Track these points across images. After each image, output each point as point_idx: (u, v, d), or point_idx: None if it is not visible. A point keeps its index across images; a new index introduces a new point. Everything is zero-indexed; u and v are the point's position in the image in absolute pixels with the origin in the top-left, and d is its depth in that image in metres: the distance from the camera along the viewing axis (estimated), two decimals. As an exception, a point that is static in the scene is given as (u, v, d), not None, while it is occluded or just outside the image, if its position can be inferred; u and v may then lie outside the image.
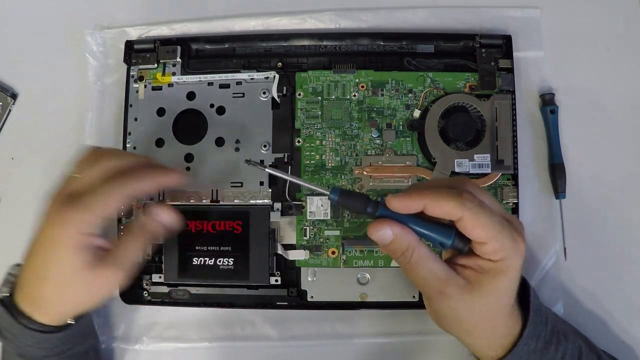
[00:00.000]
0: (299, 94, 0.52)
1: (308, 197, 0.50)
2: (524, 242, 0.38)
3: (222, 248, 0.49)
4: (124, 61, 0.53)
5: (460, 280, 0.37)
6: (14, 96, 0.56)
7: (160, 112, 0.53)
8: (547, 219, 0.52)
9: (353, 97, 0.52)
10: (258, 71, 0.53)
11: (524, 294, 0.41)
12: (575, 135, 0.53)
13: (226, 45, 0.54)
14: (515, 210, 0.50)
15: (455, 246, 0.38)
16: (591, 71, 0.54)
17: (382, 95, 0.52)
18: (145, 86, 0.53)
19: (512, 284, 0.38)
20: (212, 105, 0.52)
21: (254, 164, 0.43)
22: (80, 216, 0.39)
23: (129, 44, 0.54)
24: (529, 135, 0.53)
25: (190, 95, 0.53)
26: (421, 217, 0.38)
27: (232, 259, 0.49)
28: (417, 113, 0.51)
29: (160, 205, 0.44)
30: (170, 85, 0.53)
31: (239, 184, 0.51)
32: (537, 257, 0.51)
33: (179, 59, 0.53)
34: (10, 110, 0.56)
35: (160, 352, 0.52)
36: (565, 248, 0.51)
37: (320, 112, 0.52)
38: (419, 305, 0.49)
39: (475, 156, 0.50)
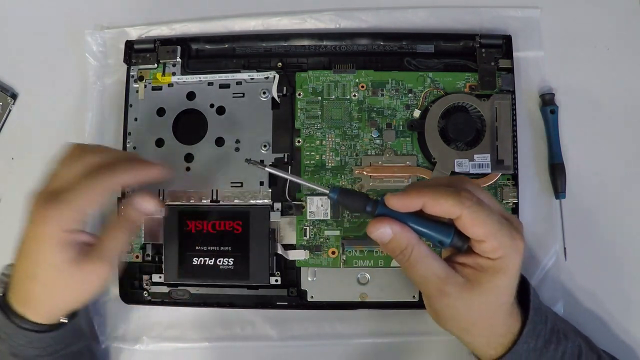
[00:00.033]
0: (299, 94, 0.52)
1: (308, 197, 0.50)
2: (522, 241, 0.38)
3: (222, 248, 0.49)
4: (124, 61, 0.53)
5: (460, 278, 0.37)
6: (14, 96, 0.56)
7: (160, 112, 0.53)
8: (547, 219, 0.52)
9: (353, 97, 0.52)
10: (258, 71, 0.53)
11: (524, 293, 0.41)
12: (575, 135, 0.53)
13: (226, 45, 0.54)
14: (515, 210, 0.50)
15: (454, 244, 0.38)
16: (591, 71, 0.54)
17: (382, 95, 0.52)
18: (145, 86, 0.53)
19: (511, 282, 0.38)
20: (212, 105, 0.52)
21: (254, 163, 0.43)
22: (61, 213, 0.38)
23: (129, 44, 0.54)
24: (529, 135, 0.53)
25: (190, 95, 0.53)
26: (420, 216, 0.38)
27: (232, 259, 0.49)
28: (417, 113, 0.51)
29: (140, 194, 0.43)
30: (170, 85, 0.53)
31: (239, 184, 0.51)
32: (537, 257, 0.51)
33: (179, 59, 0.53)
34: (10, 110, 0.56)
35: (160, 352, 0.52)
36: (565, 248, 0.51)
37: (320, 112, 0.52)
38: (419, 305, 0.49)
39: (475, 156, 0.50)
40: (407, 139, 0.51)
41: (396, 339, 0.51)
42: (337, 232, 0.50)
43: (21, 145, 0.56)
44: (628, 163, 0.53)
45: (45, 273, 0.39)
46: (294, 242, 0.50)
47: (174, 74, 0.53)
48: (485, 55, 0.52)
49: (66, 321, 0.43)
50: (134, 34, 0.55)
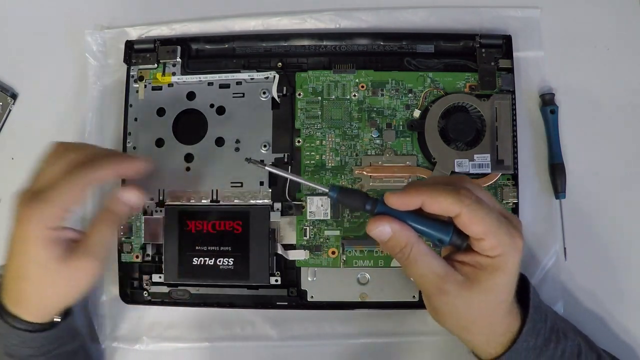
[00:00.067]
0: (299, 94, 0.52)
1: (308, 197, 0.50)
2: (521, 239, 0.38)
3: (222, 248, 0.49)
4: (124, 61, 0.53)
5: (459, 276, 0.37)
6: (14, 96, 0.56)
7: (160, 112, 0.53)
8: (547, 219, 0.52)
9: (353, 97, 0.52)
10: (258, 71, 0.53)
11: (524, 292, 0.41)
12: (575, 135, 0.53)
13: (226, 45, 0.54)
14: (515, 210, 0.50)
15: (453, 243, 0.38)
16: (591, 71, 0.54)
17: (382, 95, 0.52)
18: (145, 86, 0.53)
19: (510, 280, 0.38)
20: (212, 105, 0.52)
21: (254, 162, 0.43)
22: (44, 211, 0.39)
23: (129, 44, 0.54)
24: (529, 135, 0.53)
25: (190, 95, 0.53)
26: (419, 214, 0.38)
27: (232, 259, 0.49)
28: (417, 113, 0.51)
29: (124, 187, 0.43)
30: (170, 85, 0.53)
31: (239, 184, 0.51)
32: (537, 257, 0.51)
33: (179, 59, 0.53)
34: (10, 110, 0.56)
35: (160, 352, 0.52)
36: (565, 248, 0.51)
37: (320, 112, 0.52)
38: (419, 305, 0.49)
39: (475, 156, 0.50)
40: (407, 139, 0.51)
41: (396, 339, 0.51)
42: (337, 232, 0.50)
43: (21, 145, 0.56)
44: (628, 163, 0.53)
45: (33, 272, 0.40)
46: (294, 242, 0.50)
47: (174, 74, 0.53)
48: (485, 55, 0.52)
49: (59, 320, 0.43)
50: (134, 34, 0.55)
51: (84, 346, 0.49)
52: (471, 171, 0.50)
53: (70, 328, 0.46)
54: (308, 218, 0.50)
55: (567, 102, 0.53)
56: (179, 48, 0.53)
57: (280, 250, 0.50)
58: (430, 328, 0.51)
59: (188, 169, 0.52)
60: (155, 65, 0.53)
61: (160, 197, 0.51)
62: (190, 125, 0.52)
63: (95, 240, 0.41)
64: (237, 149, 0.52)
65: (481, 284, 0.37)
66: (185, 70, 0.53)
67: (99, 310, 0.52)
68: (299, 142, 0.52)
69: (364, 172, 0.51)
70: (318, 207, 0.50)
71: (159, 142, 0.52)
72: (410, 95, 0.52)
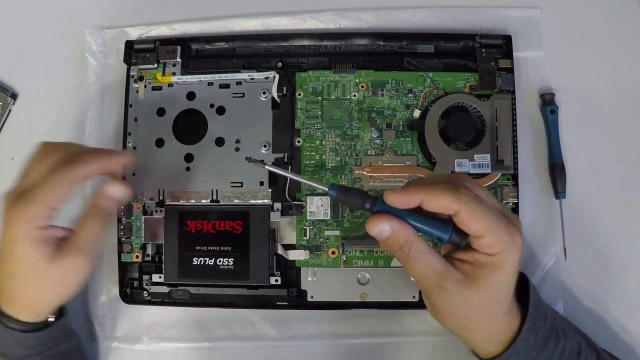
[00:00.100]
0: (299, 94, 0.52)
1: (308, 197, 0.50)
2: (521, 237, 0.38)
3: (222, 248, 0.49)
4: (124, 61, 0.53)
5: (458, 274, 0.38)
6: (14, 96, 0.56)
7: (160, 112, 0.53)
8: (547, 219, 0.52)
9: (353, 97, 0.52)
10: (258, 71, 0.53)
11: (524, 291, 0.41)
12: (575, 135, 0.53)
13: (226, 45, 0.54)
14: (515, 210, 0.50)
15: (452, 241, 0.38)
16: (591, 71, 0.54)
17: (382, 95, 0.52)
18: (145, 86, 0.53)
19: (509, 277, 0.38)
20: (212, 105, 0.52)
21: (254, 162, 0.43)
22: (30, 211, 0.39)
23: (129, 44, 0.54)
24: (529, 135, 0.53)
25: (190, 95, 0.53)
26: (419, 213, 0.38)
27: (232, 259, 0.49)
28: (417, 113, 0.51)
29: (109, 182, 0.43)
30: (170, 85, 0.53)
31: (239, 184, 0.51)
32: (537, 257, 0.51)
33: (179, 59, 0.53)
34: (10, 110, 0.56)
35: (160, 352, 0.52)
36: (565, 248, 0.51)
37: (320, 112, 0.52)
38: (419, 305, 0.49)
39: (475, 156, 0.50)
40: (407, 139, 0.51)
41: (396, 339, 0.51)
42: (337, 232, 0.50)
43: (21, 145, 0.55)
44: (628, 163, 0.53)
45: (23, 272, 0.40)
46: (294, 242, 0.50)
47: (174, 74, 0.53)
48: (485, 55, 0.52)
49: (53, 320, 0.44)
50: (134, 34, 0.55)
51: (79, 346, 0.49)
52: (471, 171, 0.50)
53: (65, 328, 0.46)
54: (308, 218, 0.50)
55: (567, 102, 0.53)
56: (179, 48, 0.53)
57: (280, 250, 0.50)
58: (430, 328, 0.51)
59: (188, 169, 0.52)
60: (155, 65, 0.53)
61: (160, 197, 0.51)
62: (190, 125, 0.52)
63: (83, 237, 0.42)
64: (237, 149, 0.52)
65: (480, 281, 0.37)
66: (185, 70, 0.53)
67: (99, 310, 0.52)
68: (299, 142, 0.52)
69: (364, 172, 0.51)
70: (318, 207, 0.50)
71: (159, 142, 0.52)
72: (410, 95, 0.52)
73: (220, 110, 0.52)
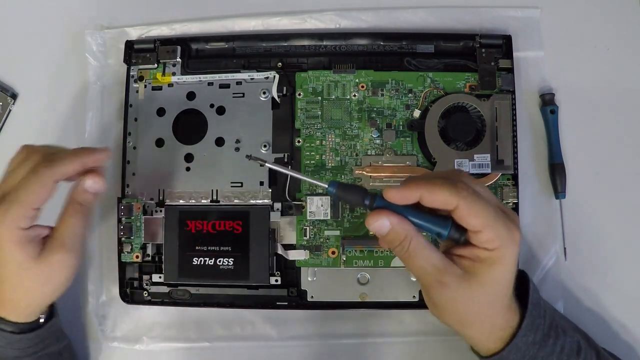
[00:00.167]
0: (299, 94, 0.52)
1: (308, 197, 0.50)
2: (519, 232, 0.38)
3: (222, 248, 0.49)
4: (124, 61, 0.53)
5: (458, 270, 0.38)
6: (14, 96, 0.56)
7: (160, 112, 0.53)
8: (547, 219, 0.52)
9: (353, 97, 0.52)
10: (258, 71, 0.53)
11: (524, 289, 0.41)
12: (575, 135, 0.53)
13: (226, 45, 0.54)
14: (515, 210, 0.50)
15: (451, 236, 0.38)
16: (591, 71, 0.54)
17: (382, 95, 0.52)
18: (145, 86, 0.53)
19: (508, 272, 0.38)
20: (212, 105, 0.52)
21: (255, 159, 0.43)
22: (12, 213, 0.39)
23: (129, 44, 0.54)
24: (529, 135, 0.53)
25: (190, 95, 0.53)
26: (418, 209, 0.38)
27: (232, 259, 0.49)
28: (417, 113, 0.51)
29: (86, 176, 0.43)
30: (170, 85, 0.53)
31: (239, 184, 0.51)
32: (537, 257, 0.51)
33: (179, 59, 0.53)
34: (10, 110, 0.56)
35: (160, 352, 0.52)
36: (565, 248, 0.51)
37: (320, 112, 0.52)
38: (419, 305, 0.49)
39: (475, 156, 0.50)
40: (407, 139, 0.51)
41: (396, 339, 0.51)
42: (337, 232, 0.50)
43: (21, 145, 0.56)
44: (628, 163, 0.53)
45: (11, 273, 0.41)
46: (294, 242, 0.50)
47: (174, 74, 0.53)
48: (485, 55, 0.52)
49: (44, 320, 0.44)
50: (134, 34, 0.55)
51: (69, 347, 0.49)
52: (471, 171, 0.49)
53: (56, 329, 0.46)
54: (308, 218, 0.50)
55: (567, 102, 0.53)
56: (179, 48, 0.53)
57: (280, 250, 0.50)
58: (430, 328, 0.51)
59: (188, 169, 0.52)
60: (155, 65, 0.53)
61: (160, 197, 0.51)
62: (190, 125, 0.52)
63: (64, 233, 0.42)
64: (237, 149, 0.52)
65: (480, 277, 0.37)
66: (185, 70, 0.53)
67: (99, 310, 0.52)
68: (299, 142, 0.52)
69: (364, 172, 0.51)
70: (318, 207, 0.50)
71: (159, 142, 0.52)
72: (410, 95, 0.52)
73: (220, 110, 0.52)
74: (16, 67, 0.57)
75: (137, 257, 0.51)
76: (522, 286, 0.41)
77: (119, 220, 0.51)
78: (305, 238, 0.50)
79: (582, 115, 0.53)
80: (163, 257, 0.50)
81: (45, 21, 0.57)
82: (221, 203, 0.51)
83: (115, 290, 0.51)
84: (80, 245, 0.43)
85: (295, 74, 0.52)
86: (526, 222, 0.51)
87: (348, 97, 0.52)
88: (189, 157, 0.52)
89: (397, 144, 0.51)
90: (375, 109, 0.52)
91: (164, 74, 0.53)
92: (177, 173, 0.52)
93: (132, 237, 0.51)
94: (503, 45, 0.52)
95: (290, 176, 0.51)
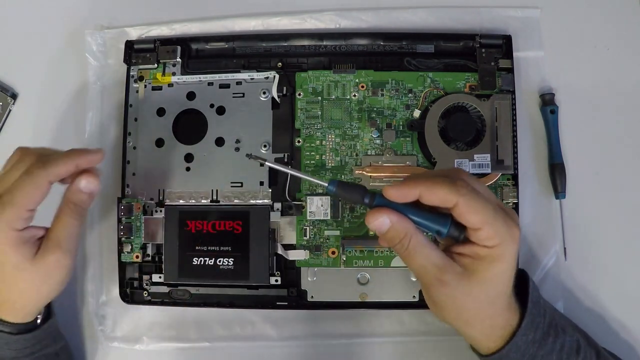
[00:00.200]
0: (299, 94, 0.52)
1: (308, 197, 0.50)
2: (518, 229, 0.38)
3: (222, 248, 0.49)
4: (124, 61, 0.53)
5: (458, 267, 0.38)
6: (14, 96, 0.56)
7: (160, 112, 0.53)
8: (547, 219, 0.52)
9: (353, 97, 0.52)
10: (258, 71, 0.53)
11: (524, 288, 0.41)
12: (575, 135, 0.53)
13: (226, 45, 0.54)
14: (515, 210, 0.50)
15: (451, 234, 0.38)
16: (591, 71, 0.54)
17: (382, 95, 0.52)
18: (145, 86, 0.53)
19: (508, 270, 0.38)
20: (212, 105, 0.52)
21: (255, 158, 0.43)
22: (7, 214, 0.40)
23: (129, 44, 0.54)
24: (529, 135, 0.53)
25: (190, 95, 0.53)
26: (418, 207, 0.38)
27: (232, 259, 0.49)
28: (417, 113, 0.51)
29: (81, 176, 0.43)
30: (170, 85, 0.53)
31: (239, 184, 0.51)
32: (537, 257, 0.51)
33: (179, 59, 0.53)
34: (10, 110, 0.56)
35: (160, 352, 0.52)
36: (565, 248, 0.51)
37: (320, 112, 0.52)
38: (419, 305, 0.49)
39: (475, 156, 0.50)
40: (407, 139, 0.51)
41: (396, 339, 0.51)
42: (337, 232, 0.50)
43: (21, 145, 0.56)
44: (628, 163, 0.53)
45: (6, 274, 0.41)
46: (294, 242, 0.50)
47: (174, 74, 0.53)
48: (485, 55, 0.52)
49: (41, 321, 0.45)
50: (134, 34, 0.55)
51: (66, 347, 0.50)
52: (471, 171, 0.49)
53: (53, 329, 0.47)
54: (308, 218, 0.50)
55: (567, 102, 0.53)
56: (179, 48, 0.53)
57: (280, 250, 0.50)
58: (430, 328, 0.51)
59: (188, 169, 0.52)
60: (155, 65, 0.53)
61: (160, 197, 0.51)
62: (190, 125, 0.52)
63: (60, 233, 0.42)
64: (237, 149, 0.52)
65: (480, 274, 0.37)
66: (185, 70, 0.53)
67: (99, 310, 0.52)
68: (299, 142, 0.52)
69: (364, 172, 0.51)
70: (318, 207, 0.50)
71: (159, 142, 0.52)
72: (410, 95, 0.52)
73: (220, 110, 0.52)
74: (16, 67, 0.57)
75: (137, 257, 0.51)
76: (522, 285, 0.41)
77: (119, 220, 0.51)
78: (305, 238, 0.50)
79: (582, 115, 0.53)
80: (163, 257, 0.50)
81: (45, 21, 0.57)
82: (221, 203, 0.51)
83: (115, 290, 0.51)
84: (75, 245, 0.43)
85: (295, 74, 0.52)
86: (526, 222, 0.51)
87: (348, 97, 0.52)
88: (188, 157, 0.52)
89: (397, 144, 0.51)
90: (375, 109, 0.52)
91: (164, 74, 0.53)
92: (177, 173, 0.52)
93: (132, 237, 0.51)
94: (503, 45, 0.52)
95: (290, 176, 0.51)
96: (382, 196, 0.38)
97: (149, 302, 0.51)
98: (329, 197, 0.50)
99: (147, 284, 0.51)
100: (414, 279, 0.50)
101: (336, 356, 0.51)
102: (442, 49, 0.53)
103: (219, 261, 0.49)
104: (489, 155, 0.50)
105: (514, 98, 0.51)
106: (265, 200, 0.51)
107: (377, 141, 0.51)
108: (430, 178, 0.37)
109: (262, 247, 0.49)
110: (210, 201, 0.51)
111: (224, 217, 0.50)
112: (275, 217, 0.50)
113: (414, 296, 0.50)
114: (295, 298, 0.50)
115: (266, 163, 0.42)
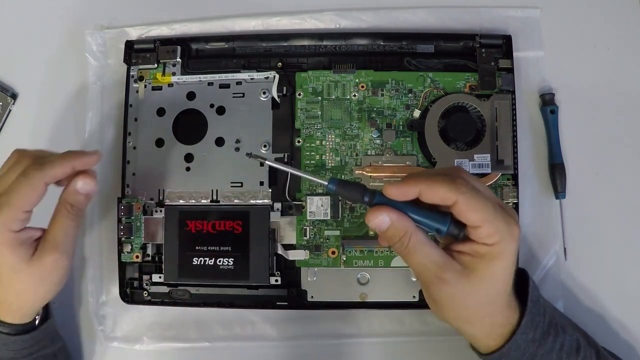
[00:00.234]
0: (299, 94, 0.52)
1: (308, 197, 0.50)
2: (518, 228, 0.38)
3: (222, 248, 0.49)
4: (124, 61, 0.53)
5: (457, 265, 0.38)
6: (14, 96, 0.56)
7: (160, 112, 0.53)
8: (547, 219, 0.52)
9: (353, 97, 0.52)
10: (258, 71, 0.53)
11: (524, 287, 0.41)
12: (575, 135, 0.53)
13: (226, 45, 0.54)
14: (515, 210, 0.50)
15: (450, 232, 0.38)
16: (591, 71, 0.54)
17: (382, 95, 0.52)
18: (145, 86, 0.53)
19: (508, 268, 0.38)
20: (212, 105, 0.52)
21: (255, 157, 0.43)
22: (4, 216, 0.40)
23: (129, 44, 0.54)
24: (529, 135, 0.53)
25: (190, 95, 0.53)
26: (417, 205, 0.38)
27: (232, 259, 0.49)
28: (417, 113, 0.51)
29: (77, 177, 0.43)
30: (170, 85, 0.53)
31: (239, 184, 0.51)
32: (537, 257, 0.51)
33: (179, 59, 0.53)
34: (10, 110, 0.56)
35: (160, 352, 0.52)
36: (565, 248, 0.51)
37: (320, 112, 0.52)
38: (419, 305, 0.49)
39: (475, 156, 0.50)
40: (407, 139, 0.51)
41: (396, 339, 0.51)
42: (337, 232, 0.50)
43: (21, 145, 0.55)
44: (628, 163, 0.53)
45: (3, 276, 0.41)
46: (294, 242, 0.50)
47: (174, 74, 0.53)
48: (485, 55, 0.52)
49: (39, 322, 0.45)
50: (134, 34, 0.55)
51: (64, 348, 0.50)
52: (471, 171, 0.49)
53: (51, 330, 0.47)
54: (308, 218, 0.50)
55: (567, 102, 0.53)
56: (179, 48, 0.53)
57: (280, 250, 0.50)
58: (430, 328, 0.51)
59: (188, 169, 0.52)
60: (155, 65, 0.53)
61: (160, 197, 0.51)
62: (190, 125, 0.52)
63: (57, 234, 0.42)
64: (237, 149, 0.52)
65: (479, 272, 0.37)
66: (185, 70, 0.53)
67: (99, 310, 0.52)
68: (299, 142, 0.52)
69: (364, 172, 0.51)
70: (318, 207, 0.50)
71: (159, 142, 0.52)
72: (410, 95, 0.52)
73: (220, 110, 0.52)
74: (16, 67, 0.57)
75: (137, 257, 0.51)
76: (522, 284, 0.41)
77: (119, 220, 0.51)
78: (305, 238, 0.50)
79: (582, 115, 0.53)
80: (163, 257, 0.50)
81: (45, 21, 0.57)
82: (221, 203, 0.51)
83: (115, 290, 0.51)
84: (72, 246, 0.43)
85: (295, 74, 0.52)
86: (526, 222, 0.51)
87: (348, 97, 0.52)
88: (188, 157, 0.52)
89: (397, 144, 0.51)
90: (375, 109, 0.52)
91: (164, 74, 0.53)
92: (177, 173, 0.52)
93: (132, 237, 0.51)
94: (503, 45, 0.52)
95: (291, 176, 0.51)
96: (382, 194, 0.38)
97: (149, 302, 0.51)
98: (329, 197, 0.50)
99: (147, 284, 0.51)
100: (414, 279, 0.50)
101: (336, 356, 0.51)
102: (442, 49, 0.53)
103: (219, 261, 0.49)
104: (489, 155, 0.50)
105: (514, 98, 0.51)
106: (265, 200, 0.51)
107: (377, 141, 0.51)
108: (430, 176, 0.38)
109: (262, 247, 0.49)
110: (210, 201, 0.51)
111: (224, 217, 0.50)
112: (275, 217, 0.50)
113: (414, 296, 0.50)
114: (295, 298, 0.50)
115: (266, 162, 0.42)
